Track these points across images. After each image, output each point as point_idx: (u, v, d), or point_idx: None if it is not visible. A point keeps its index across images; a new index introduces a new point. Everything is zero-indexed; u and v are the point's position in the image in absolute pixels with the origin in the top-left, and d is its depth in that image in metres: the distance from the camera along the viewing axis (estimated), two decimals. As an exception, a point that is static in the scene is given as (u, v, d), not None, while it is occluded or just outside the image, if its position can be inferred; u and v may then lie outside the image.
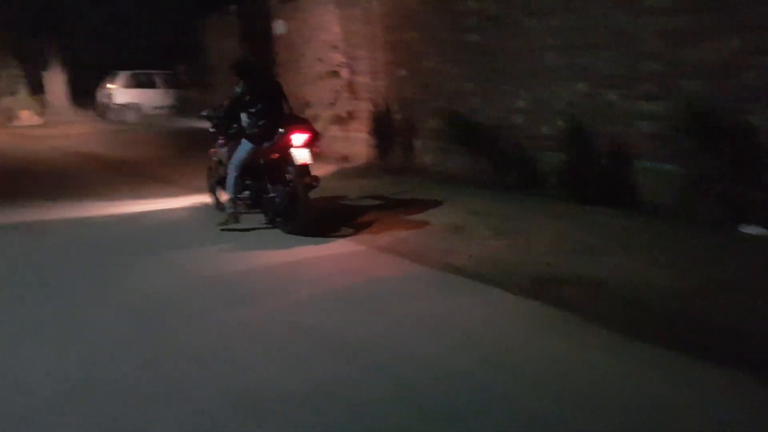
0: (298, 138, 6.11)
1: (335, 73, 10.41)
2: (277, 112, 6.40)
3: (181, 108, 18.61)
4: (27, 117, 21.55)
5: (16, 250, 6.16)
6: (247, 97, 6.32)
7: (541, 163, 7.45)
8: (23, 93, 21.76)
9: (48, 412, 3.03)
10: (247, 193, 6.57)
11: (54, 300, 4.63)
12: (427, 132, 8.95)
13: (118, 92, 20.25)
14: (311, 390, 3.14)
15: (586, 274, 4.66)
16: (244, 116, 6.39)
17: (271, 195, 6.32)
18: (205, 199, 7.57)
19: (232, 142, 6.65)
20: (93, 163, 11.79)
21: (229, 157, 6.58)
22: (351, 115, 10.19)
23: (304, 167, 6.13)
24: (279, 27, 11.56)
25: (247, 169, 6.45)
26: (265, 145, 6.25)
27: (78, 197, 8.41)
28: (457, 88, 8.42)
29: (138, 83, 20.47)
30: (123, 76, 20.53)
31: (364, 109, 9.90)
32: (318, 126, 10.55)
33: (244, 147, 6.36)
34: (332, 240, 6.00)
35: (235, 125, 6.57)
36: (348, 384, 3.20)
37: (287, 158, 6.12)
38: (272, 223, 6.47)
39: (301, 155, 6.11)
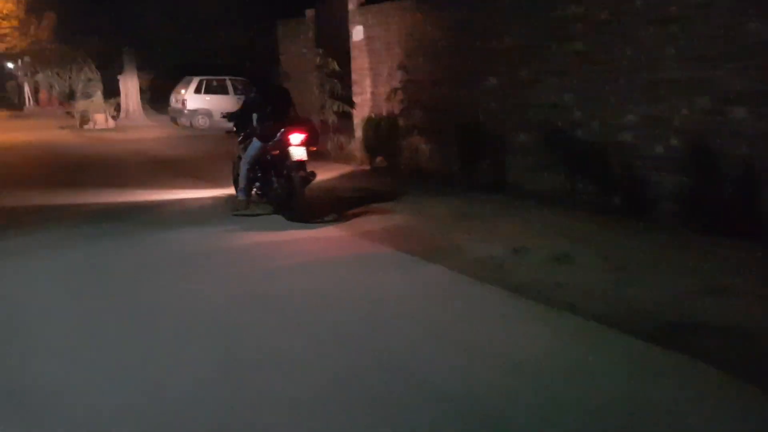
0: (296, 137, 7.06)
1: (416, 82, 9.80)
2: (282, 115, 7.34)
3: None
4: (101, 120, 21.71)
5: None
6: (257, 102, 7.53)
7: (652, 186, 6.66)
8: (98, 96, 21.96)
9: None
10: (257, 184, 7.62)
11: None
12: (518, 147, 8.24)
13: (190, 97, 20.15)
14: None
15: (726, 320, 3.92)
16: (254, 117, 7.45)
17: (275, 186, 7.34)
18: (232, 191, 8.07)
19: (247, 140, 7.58)
20: (154, 164, 12.32)
21: (244, 153, 7.55)
22: (431, 126, 9.55)
23: (300, 163, 7.06)
24: (357, 32, 11.06)
25: (257, 164, 7.45)
26: (270, 143, 7.21)
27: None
28: (555, 100, 7.69)
29: (210, 89, 20.35)
30: (195, 81, 20.45)
31: (446, 120, 9.25)
32: (396, 136, 10.09)
33: (254, 145, 7.38)
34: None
35: (248, 126, 7.56)
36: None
37: (286, 155, 7.06)
38: (277, 212, 7.37)
39: (297, 152, 7.07)
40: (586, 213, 6.83)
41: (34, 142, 17.33)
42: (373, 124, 10.74)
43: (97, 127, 21.07)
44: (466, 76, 8.90)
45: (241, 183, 7.52)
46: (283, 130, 7.08)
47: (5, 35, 30.62)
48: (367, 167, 10.53)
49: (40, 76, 31.41)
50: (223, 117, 8.35)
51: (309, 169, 7.17)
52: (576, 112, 7.46)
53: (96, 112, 21.71)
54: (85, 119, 21.56)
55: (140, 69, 23.34)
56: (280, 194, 7.26)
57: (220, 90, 20.40)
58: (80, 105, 21.97)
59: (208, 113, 20.02)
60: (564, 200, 7.33)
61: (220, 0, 17.53)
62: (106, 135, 19.01)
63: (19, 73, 38.31)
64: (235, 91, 20.23)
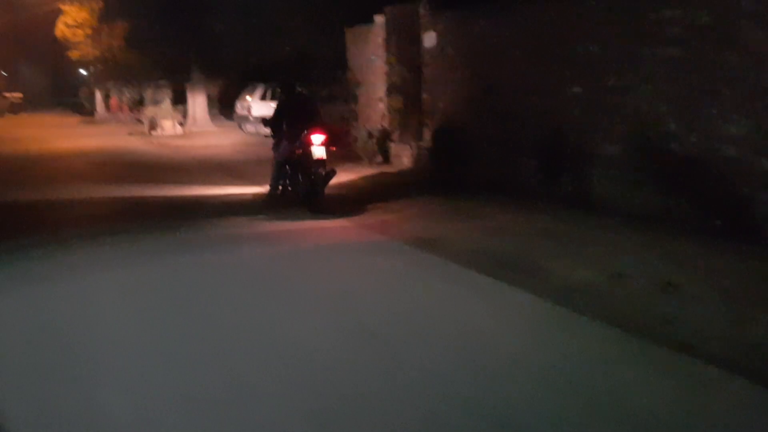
0: (317, 138, 8.18)
1: (491, 90, 9.35)
2: (306, 119, 8.36)
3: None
4: (169, 127, 21.97)
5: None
6: (285, 108, 8.76)
7: (759, 205, 6.05)
8: (166, 103, 22.24)
9: None
10: (287, 180, 8.66)
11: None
12: (604, 160, 7.69)
13: (255, 105, 20.12)
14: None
15: None
16: (284, 122, 8.58)
17: (300, 182, 8.39)
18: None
19: (280, 141, 8.67)
20: (214, 167, 13.25)
21: (276, 152, 8.74)
22: (507, 136, 9.07)
23: (320, 161, 8.14)
24: (429, 38, 10.66)
25: (287, 163, 8.54)
26: (296, 144, 8.28)
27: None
28: (647, 110, 7.12)
29: (275, 96, 20.26)
30: (261, 88, 20.43)
31: (524, 130, 8.77)
32: (468, 146, 9.66)
33: (283, 145, 8.54)
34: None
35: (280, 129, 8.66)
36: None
37: (309, 154, 8.15)
38: (302, 204, 8.26)
39: (318, 151, 8.17)
40: (684, 234, 6.24)
41: (103, 148, 17.59)
42: (443, 133, 10.34)
43: (165, 133, 21.32)
44: (548, 83, 8.39)
45: (273, 179, 8.86)
46: (305, 132, 8.20)
47: (79, 43, 31.49)
48: (435, 177, 10.13)
49: (110, 83, 32.15)
50: (261, 122, 9.67)
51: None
52: (671, 123, 6.88)
53: (164, 119, 21.99)
54: (153, 126, 21.84)
55: (208, 76, 23.50)
56: (305, 188, 8.35)
57: (287, 97, 20.35)
58: (149, 111, 22.30)
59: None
60: (656, 219, 6.75)
61: (289, 6, 17.35)
62: (173, 141, 19.18)
63: (91, 80, 39.44)
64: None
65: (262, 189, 9.53)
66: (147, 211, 8.69)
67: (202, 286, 5.30)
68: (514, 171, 8.94)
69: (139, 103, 27.85)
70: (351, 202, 8.69)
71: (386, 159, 12.04)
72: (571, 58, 8.04)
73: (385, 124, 12.20)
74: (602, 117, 7.73)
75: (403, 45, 11.60)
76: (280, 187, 8.77)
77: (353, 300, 4.85)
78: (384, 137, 12.16)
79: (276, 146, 8.82)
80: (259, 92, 20.36)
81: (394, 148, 11.96)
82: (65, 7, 31.24)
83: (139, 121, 23.09)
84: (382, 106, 12.35)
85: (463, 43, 9.93)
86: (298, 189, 8.51)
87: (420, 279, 5.36)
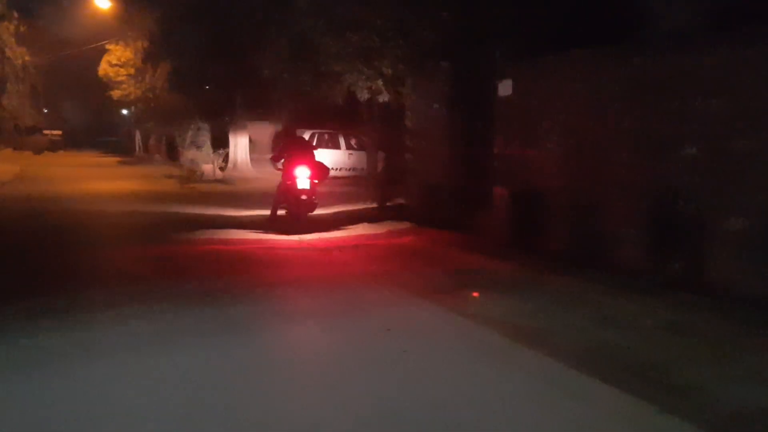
0: (300, 171, 10.50)
1: (581, 148, 8.17)
2: (300, 158, 10.68)
3: (370, 172, 17.09)
4: (209, 171, 21.19)
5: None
6: (284, 149, 11.02)
7: None
8: (207, 146, 21.50)
9: None
10: (284, 205, 10.87)
11: None
12: (727, 234, 6.42)
13: (299, 152, 19.25)
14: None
15: None
16: (285, 159, 10.80)
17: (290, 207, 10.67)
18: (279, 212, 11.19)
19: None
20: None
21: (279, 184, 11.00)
22: (602, 203, 7.85)
23: (303, 190, 10.46)
24: (504, 87, 9.58)
25: (285, 192, 10.71)
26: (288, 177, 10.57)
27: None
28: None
29: (321, 143, 19.40)
30: (306, 135, 19.57)
31: (623, 196, 7.55)
32: (548, 214, 8.48)
33: (282, 179, 10.82)
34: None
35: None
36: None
37: (295, 185, 10.45)
38: (292, 225, 10.34)
39: (301, 182, 10.44)
40: None
41: (138, 191, 16.75)
42: (519, 193, 9.17)
43: (204, 178, 20.49)
44: (655, 142, 7.18)
45: (272, 205, 11.12)
46: (291, 167, 10.53)
47: (121, 83, 31.28)
48: (508, 245, 8.93)
49: (150, 125, 31.79)
50: (270, 160, 12.02)
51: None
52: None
53: (204, 162, 21.22)
54: (192, 169, 21.08)
55: (251, 119, 22.79)
56: (288, 212, 10.73)
57: (332, 144, 19.43)
58: (188, 154, 21.56)
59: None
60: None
61: (341, 51, 16.50)
62: (211, 187, 18.28)
63: (131, 121, 39.33)
64: (347, 145, 19.21)
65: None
66: (179, 269, 7.59)
67: (251, 381, 4.12)
68: (607, 243, 7.68)
69: (178, 146, 27.23)
70: (422, 276, 7.51)
71: (446, 219, 10.85)
72: (687, 113, 6.85)
73: (447, 179, 11.08)
74: (725, 184, 6.49)
75: (471, 94, 10.54)
76: (278, 212, 11.03)
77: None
78: (446, 194, 11.02)
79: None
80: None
81: (454, 206, 10.80)
82: (110, 46, 31.17)
83: (178, 163, 22.28)
84: (443, 160, 11.24)
85: (547, 93, 8.80)
86: (290, 212, 10.79)
87: (537, 394, 4.10)
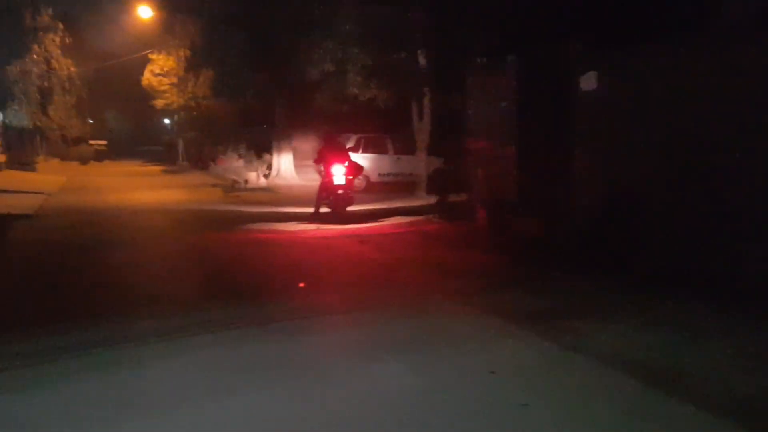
0: (336, 168, 12.02)
1: (683, 148, 7.16)
2: (336, 159, 12.16)
3: (424, 177, 16.21)
4: (253, 178, 20.59)
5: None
6: (323, 150, 12.64)
7: None
8: (251, 154, 20.86)
9: None
10: (325, 202, 12.18)
11: None
12: None
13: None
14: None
15: None
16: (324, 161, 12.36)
17: (330, 201, 12.11)
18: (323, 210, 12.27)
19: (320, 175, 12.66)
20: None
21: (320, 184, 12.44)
22: (717, 211, 6.82)
23: (338, 185, 12.00)
24: (587, 81, 8.61)
25: (325, 189, 12.17)
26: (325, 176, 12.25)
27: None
28: None
29: (368, 147, 18.57)
30: (351, 139, 18.78)
31: (747, 203, 6.52)
32: (643, 225, 7.50)
33: (322, 179, 12.36)
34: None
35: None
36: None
37: (332, 181, 12.01)
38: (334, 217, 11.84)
39: (337, 179, 11.98)
40: None
41: (185, 201, 16.19)
42: (607, 202, 8.20)
43: (248, 185, 19.88)
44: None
45: (315, 203, 12.29)
46: (329, 165, 12.00)
47: (164, 92, 31.03)
48: (592, 261, 7.93)
49: (193, 133, 31.47)
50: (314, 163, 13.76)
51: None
52: None
53: (248, 171, 20.62)
54: (237, 178, 20.51)
55: (296, 126, 22.12)
56: (331, 206, 11.99)
57: (380, 149, 18.58)
58: (232, 163, 20.94)
59: (364, 175, 18.21)
60: None
61: (389, 54, 15.73)
62: (256, 195, 17.60)
63: (174, 129, 39.19)
64: (395, 150, 18.35)
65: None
66: (240, 288, 6.82)
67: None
68: (723, 259, 6.65)
69: (221, 153, 26.77)
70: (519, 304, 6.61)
71: (516, 230, 9.91)
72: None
73: (515, 185, 10.13)
74: None
75: (544, 90, 9.59)
76: (321, 208, 12.20)
77: None
78: (514, 201, 10.07)
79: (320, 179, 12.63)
80: (351, 143, 18.67)
81: (525, 215, 9.84)
82: (153, 56, 30.95)
83: (222, 171, 21.71)
84: (511, 163, 10.29)
85: (640, 87, 7.81)
86: (330, 206, 12.06)
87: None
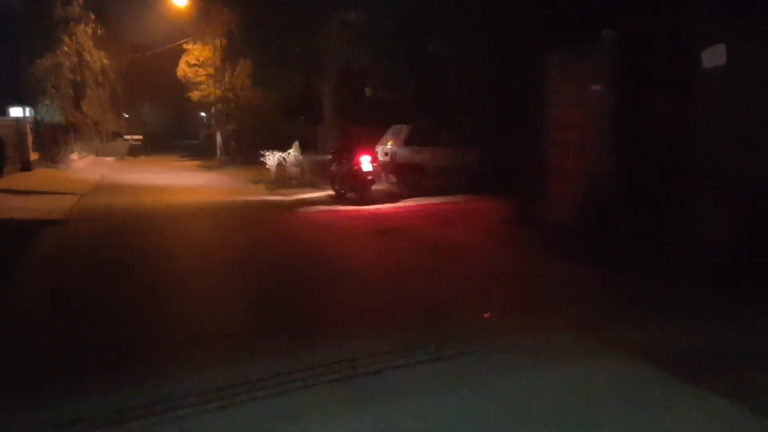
0: (365, 158, 14.14)
1: None
2: (358, 148, 14.36)
3: (486, 174, 14.70)
4: (296, 173, 19.29)
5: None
6: (346, 144, 15.07)
7: None
8: (295, 147, 19.51)
9: None
10: (344, 186, 14.64)
11: None
12: None
13: (400, 150, 16.97)
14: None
15: None
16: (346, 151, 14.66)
17: (356, 186, 14.22)
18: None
19: (340, 164, 14.74)
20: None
21: (337, 172, 14.83)
22: None
23: (368, 172, 14.12)
24: (713, 55, 7.10)
25: (348, 175, 14.38)
26: (350, 164, 14.22)
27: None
28: None
29: (423, 140, 17.04)
30: (406, 130, 17.30)
31: None
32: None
33: (346, 165, 14.40)
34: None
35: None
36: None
37: (360, 168, 14.06)
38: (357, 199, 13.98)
39: (365, 167, 14.08)
40: None
41: (227, 201, 15.01)
42: (747, 205, 6.69)
43: (292, 182, 18.59)
44: None
45: (339, 187, 14.61)
46: (358, 155, 14.03)
47: (200, 83, 30.00)
48: (721, 271, 6.46)
49: (231, 125, 30.37)
50: (331, 152, 15.78)
51: None
52: None
53: (291, 165, 19.31)
54: (279, 173, 19.26)
55: (342, 116, 20.75)
56: (356, 190, 14.11)
57: (436, 141, 17.06)
58: (275, 157, 19.64)
59: (419, 168, 16.77)
60: None
61: (448, 36, 14.24)
62: (301, 193, 16.30)
63: (211, 122, 38.22)
64: (454, 141, 16.83)
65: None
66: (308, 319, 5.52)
67: None
68: None
69: (263, 147, 25.58)
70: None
71: (618, 237, 8.39)
72: None
73: (614, 182, 8.65)
74: None
75: (651, 69, 8.07)
76: (342, 191, 14.52)
77: None
78: (614, 201, 8.58)
79: (337, 168, 14.69)
80: (404, 135, 17.22)
81: (627, 219, 8.35)
82: (188, 46, 29.93)
83: (264, 166, 20.43)
84: (607, 156, 8.81)
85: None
86: (355, 190, 14.05)
87: None
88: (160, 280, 7.04)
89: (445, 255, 8.20)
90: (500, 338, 4.91)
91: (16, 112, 22.56)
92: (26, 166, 21.59)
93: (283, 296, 6.42)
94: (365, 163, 13.93)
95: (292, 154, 19.27)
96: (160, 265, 7.83)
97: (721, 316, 5.33)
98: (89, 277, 7.46)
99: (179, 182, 20.56)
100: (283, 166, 19.32)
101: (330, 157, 15.66)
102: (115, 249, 9.16)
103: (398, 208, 12.94)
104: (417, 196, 14.39)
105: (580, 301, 5.90)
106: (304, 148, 19.97)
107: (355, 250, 8.89)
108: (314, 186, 17.49)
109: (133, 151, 38.54)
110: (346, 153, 14.34)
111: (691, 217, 7.33)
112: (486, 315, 5.53)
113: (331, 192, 15.24)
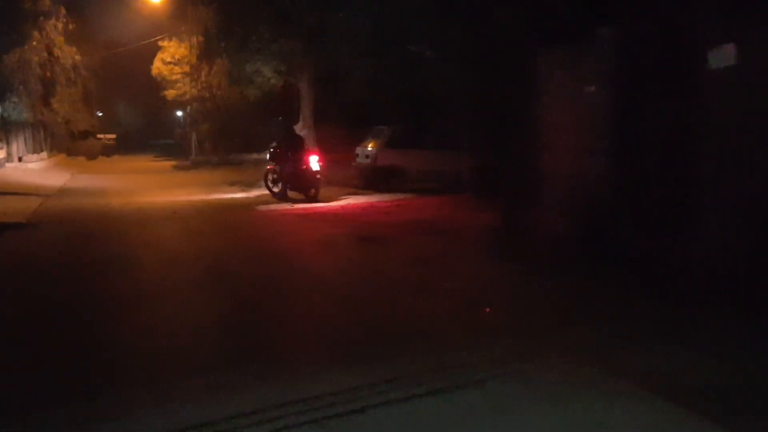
0: (313, 158, 14.50)
1: None
2: (298, 149, 14.73)
3: (474, 179, 14.16)
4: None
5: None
6: (286, 142, 15.08)
7: None
8: (273, 147, 18.81)
9: None
10: (288, 185, 14.69)
11: None
12: None
13: (381, 153, 16.41)
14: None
15: None
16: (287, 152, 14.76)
17: (302, 184, 14.49)
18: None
19: (286, 163, 14.65)
20: None
21: (282, 170, 14.78)
22: None
23: (316, 171, 14.44)
24: (721, 55, 6.63)
25: (291, 173, 14.60)
26: (300, 162, 14.43)
27: None
28: None
29: (406, 142, 16.47)
30: (386, 132, 16.75)
31: None
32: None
33: (289, 164, 14.58)
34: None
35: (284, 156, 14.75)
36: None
37: (309, 167, 14.41)
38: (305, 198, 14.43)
39: (314, 166, 14.41)
40: None
41: (204, 203, 14.34)
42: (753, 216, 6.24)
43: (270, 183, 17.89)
44: None
45: (278, 186, 14.82)
46: (305, 155, 14.57)
47: (175, 81, 29.20)
48: (737, 289, 5.98)
49: (206, 125, 29.60)
50: (270, 150, 15.58)
51: None
52: None
53: (269, 164, 18.61)
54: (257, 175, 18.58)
55: (321, 117, 20.15)
56: (306, 188, 14.38)
57: (419, 143, 16.51)
58: (250, 157, 18.98)
59: (401, 172, 16.22)
60: None
61: (433, 38, 13.71)
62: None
63: (186, 121, 37.39)
64: (437, 144, 16.29)
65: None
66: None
67: None
68: None
69: (239, 148, 24.90)
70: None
71: (619, 249, 7.87)
72: None
73: (612, 187, 8.16)
74: None
75: (654, 72, 7.58)
76: (280, 189, 14.73)
77: None
78: (613, 209, 8.09)
79: (280, 166, 14.76)
80: (385, 136, 16.66)
81: (628, 230, 7.86)
82: (164, 43, 29.14)
83: (240, 166, 19.75)
84: (603, 161, 8.32)
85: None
86: (300, 188, 14.45)
87: None
88: (120, 295, 6.40)
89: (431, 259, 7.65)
90: (497, 366, 4.37)
91: (-19, 109, 21.67)
92: (-9, 166, 20.80)
93: (255, 310, 5.83)
94: (314, 162, 14.36)
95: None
96: (122, 278, 7.17)
97: (742, 340, 4.83)
98: (41, 291, 6.76)
99: (151, 183, 19.79)
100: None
101: (268, 157, 15.73)
102: (74, 258, 8.47)
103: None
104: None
105: (582, 322, 5.37)
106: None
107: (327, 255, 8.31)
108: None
109: (107, 151, 37.51)
110: (291, 153, 14.53)
111: (698, 228, 6.86)
112: (487, 310, 5.01)
113: (265, 191, 15.23)
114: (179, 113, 40.61)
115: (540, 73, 9.64)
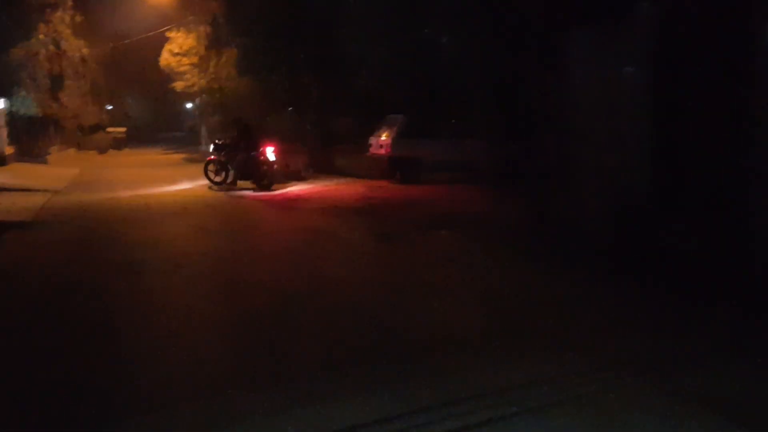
0: (269, 149, 15.19)
1: None
2: (254, 141, 15.36)
3: (496, 170, 13.58)
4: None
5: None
6: (244, 135, 15.60)
7: None
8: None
9: None
10: (240, 174, 15.55)
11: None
12: None
13: (395, 142, 15.86)
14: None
15: None
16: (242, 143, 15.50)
17: (258, 174, 15.19)
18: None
19: (237, 154, 15.49)
20: None
21: (233, 162, 15.58)
22: None
23: (272, 161, 15.19)
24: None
25: (245, 163, 15.38)
26: (256, 153, 15.21)
27: None
28: None
29: (421, 131, 15.93)
30: (402, 121, 16.19)
31: None
32: None
33: (243, 155, 15.35)
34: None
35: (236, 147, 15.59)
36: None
37: (266, 158, 15.15)
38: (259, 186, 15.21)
39: (270, 156, 15.16)
40: None
41: (208, 200, 13.87)
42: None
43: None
44: None
45: (235, 175, 15.63)
46: (262, 146, 15.22)
47: (184, 73, 28.69)
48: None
49: (215, 117, 29.09)
50: (215, 143, 16.43)
51: None
52: None
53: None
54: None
55: (332, 107, 19.61)
56: (260, 177, 15.12)
57: (435, 133, 15.95)
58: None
59: (416, 162, 15.68)
60: None
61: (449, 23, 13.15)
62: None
63: (196, 113, 36.91)
64: (454, 133, 15.74)
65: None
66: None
67: None
68: None
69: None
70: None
71: (652, 249, 7.28)
72: None
73: (650, 180, 7.59)
74: None
75: (705, 50, 6.99)
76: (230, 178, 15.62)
77: None
78: (648, 203, 7.51)
79: (230, 157, 15.56)
80: (400, 125, 16.11)
81: (667, 229, 7.28)
82: (171, 34, 28.62)
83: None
84: (641, 149, 7.74)
85: None
86: (255, 177, 15.24)
87: None
88: (123, 306, 5.92)
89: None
90: (529, 386, 3.83)
91: (-11, 103, 21.28)
92: (0, 161, 20.39)
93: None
94: (269, 153, 15.22)
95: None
96: (127, 284, 6.69)
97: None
98: (41, 299, 6.28)
99: (161, 177, 19.31)
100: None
101: (212, 148, 16.37)
102: (77, 261, 7.98)
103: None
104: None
105: (624, 332, 4.84)
106: (291, 140, 18.83)
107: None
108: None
109: (117, 144, 37.08)
110: (243, 143, 15.36)
111: (750, 227, 6.28)
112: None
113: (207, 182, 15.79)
114: (189, 105, 40.18)
115: (570, 54, 9.06)
